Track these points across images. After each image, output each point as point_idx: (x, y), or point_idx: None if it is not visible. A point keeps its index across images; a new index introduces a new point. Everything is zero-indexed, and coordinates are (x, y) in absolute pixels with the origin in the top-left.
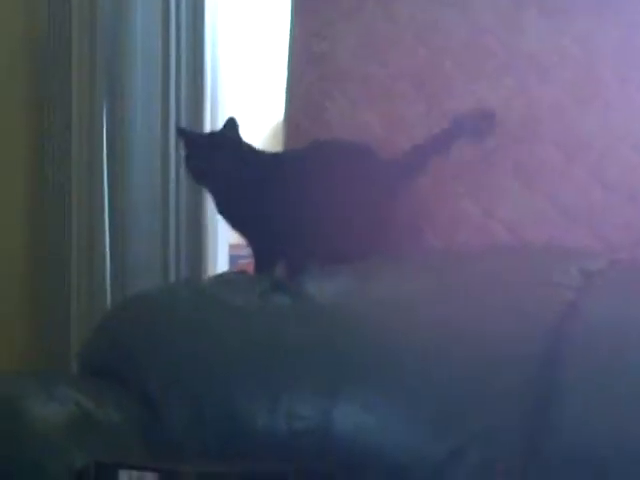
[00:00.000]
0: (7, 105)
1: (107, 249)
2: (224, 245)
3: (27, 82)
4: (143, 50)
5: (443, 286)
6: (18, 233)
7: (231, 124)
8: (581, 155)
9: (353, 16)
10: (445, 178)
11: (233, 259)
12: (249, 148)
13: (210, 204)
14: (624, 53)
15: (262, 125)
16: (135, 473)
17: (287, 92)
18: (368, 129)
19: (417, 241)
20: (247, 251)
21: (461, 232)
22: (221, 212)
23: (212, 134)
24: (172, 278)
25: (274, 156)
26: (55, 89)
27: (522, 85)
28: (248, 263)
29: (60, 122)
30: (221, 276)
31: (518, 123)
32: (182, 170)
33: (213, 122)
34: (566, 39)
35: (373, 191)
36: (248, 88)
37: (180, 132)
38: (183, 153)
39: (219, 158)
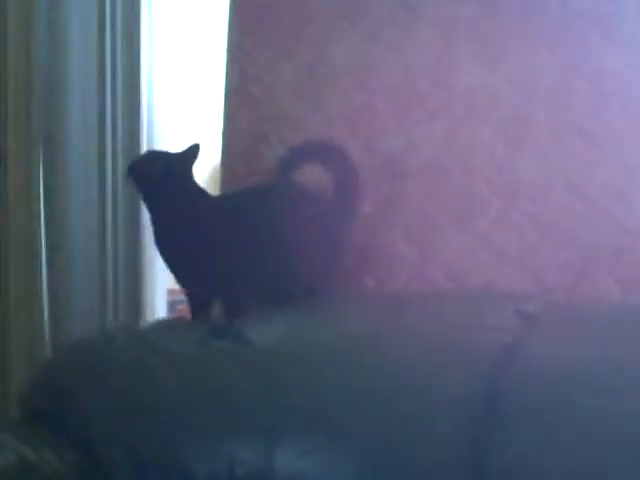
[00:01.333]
0: None
1: (45, 295)
2: (162, 290)
3: None
4: (78, 80)
5: (381, 328)
6: None
7: (194, 150)
8: (515, 197)
9: (288, 59)
10: (381, 222)
11: (172, 304)
12: (196, 186)
13: (149, 248)
14: (557, 94)
15: (200, 168)
16: None
17: (223, 136)
18: (303, 173)
19: (355, 284)
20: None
21: (398, 275)
22: (158, 245)
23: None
24: (110, 323)
25: (216, 197)
26: None
27: (455, 127)
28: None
29: None
30: (159, 322)
31: (453, 165)
32: (120, 212)
33: None
34: (498, 80)
35: (312, 231)
36: (186, 131)
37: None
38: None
39: (169, 189)
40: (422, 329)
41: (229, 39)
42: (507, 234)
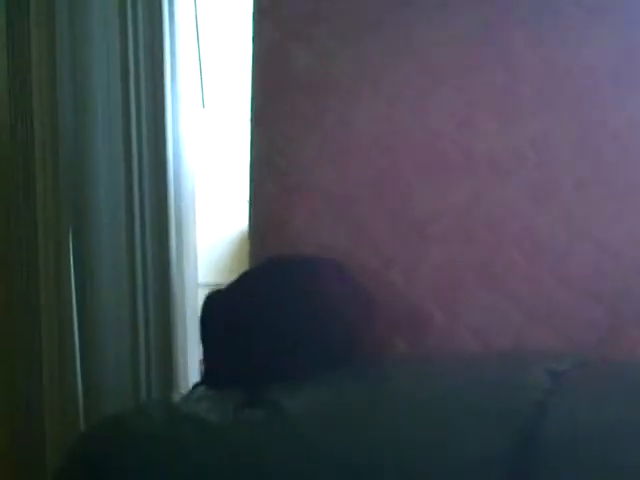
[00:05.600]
0: None
1: (78, 371)
2: (194, 361)
3: None
4: (106, 160)
5: (412, 393)
6: None
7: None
8: (542, 256)
9: (312, 128)
10: (410, 286)
11: None
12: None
13: (179, 317)
14: (579, 152)
15: (229, 232)
16: None
17: (250, 205)
18: (330, 241)
19: (386, 348)
20: None
21: (428, 337)
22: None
23: None
24: (143, 397)
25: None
26: (21, 213)
27: (480, 188)
28: None
29: (27, 246)
30: (193, 393)
31: (479, 226)
32: (150, 286)
33: (177, 232)
34: (521, 140)
35: (339, 310)
36: (213, 197)
37: None
38: None
39: None
40: (454, 390)
41: (252, 109)
42: (535, 293)
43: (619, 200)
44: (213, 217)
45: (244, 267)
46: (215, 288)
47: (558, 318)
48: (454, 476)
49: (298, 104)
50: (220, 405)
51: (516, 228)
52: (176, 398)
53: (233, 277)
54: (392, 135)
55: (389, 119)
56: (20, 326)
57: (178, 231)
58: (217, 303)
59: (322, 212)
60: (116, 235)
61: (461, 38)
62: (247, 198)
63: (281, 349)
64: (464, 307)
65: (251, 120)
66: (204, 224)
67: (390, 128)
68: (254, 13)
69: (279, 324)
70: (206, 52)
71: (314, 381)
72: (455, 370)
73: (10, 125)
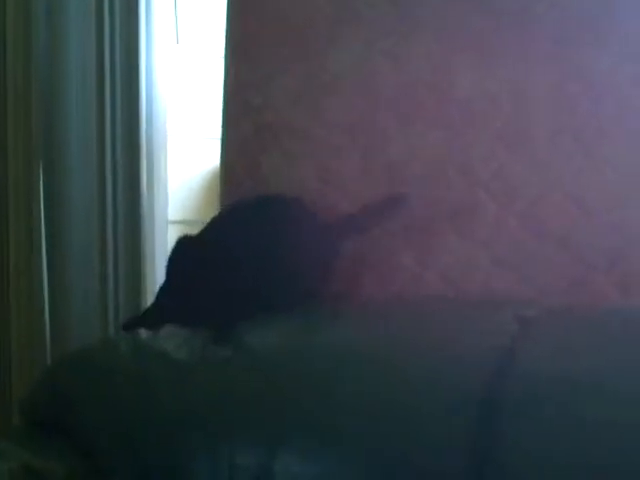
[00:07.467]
0: None
1: (46, 302)
2: None
3: None
4: (78, 95)
5: (380, 334)
6: None
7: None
8: (513, 203)
9: (288, 69)
10: (381, 227)
11: None
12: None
13: (149, 254)
14: (554, 101)
15: (200, 170)
16: None
17: (222, 143)
18: (303, 182)
19: (353, 289)
20: None
21: (396, 280)
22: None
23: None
24: (111, 332)
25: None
26: None
27: (454, 134)
28: None
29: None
30: (161, 330)
31: (452, 172)
32: (120, 219)
33: (149, 169)
34: (496, 88)
35: (306, 248)
36: (186, 133)
37: None
38: None
39: None
40: (421, 334)
41: (227, 47)
42: (504, 240)
43: (591, 151)
44: (185, 154)
45: (215, 204)
46: (186, 226)
47: (527, 265)
48: (419, 421)
49: (275, 43)
50: (188, 342)
51: (488, 175)
52: (144, 334)
53: (203, 214)
54: (368, 78)
55: (366, 62)
56: None
57: (149, 167)
58: (186, 245)
59: (295, 153)
60: (87, 170)
61: None
62: (220, 136)
63: (248, 287)
64: (434, 252)
65: (225, 57)
66: (176, 161)
67: (367, 71)
68: None
69: (246, 262)
70: None
71: (281, 319)
72: (422, 314)
73: None
